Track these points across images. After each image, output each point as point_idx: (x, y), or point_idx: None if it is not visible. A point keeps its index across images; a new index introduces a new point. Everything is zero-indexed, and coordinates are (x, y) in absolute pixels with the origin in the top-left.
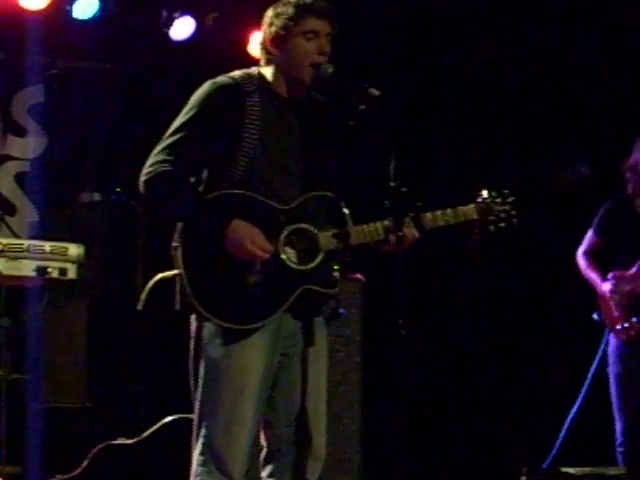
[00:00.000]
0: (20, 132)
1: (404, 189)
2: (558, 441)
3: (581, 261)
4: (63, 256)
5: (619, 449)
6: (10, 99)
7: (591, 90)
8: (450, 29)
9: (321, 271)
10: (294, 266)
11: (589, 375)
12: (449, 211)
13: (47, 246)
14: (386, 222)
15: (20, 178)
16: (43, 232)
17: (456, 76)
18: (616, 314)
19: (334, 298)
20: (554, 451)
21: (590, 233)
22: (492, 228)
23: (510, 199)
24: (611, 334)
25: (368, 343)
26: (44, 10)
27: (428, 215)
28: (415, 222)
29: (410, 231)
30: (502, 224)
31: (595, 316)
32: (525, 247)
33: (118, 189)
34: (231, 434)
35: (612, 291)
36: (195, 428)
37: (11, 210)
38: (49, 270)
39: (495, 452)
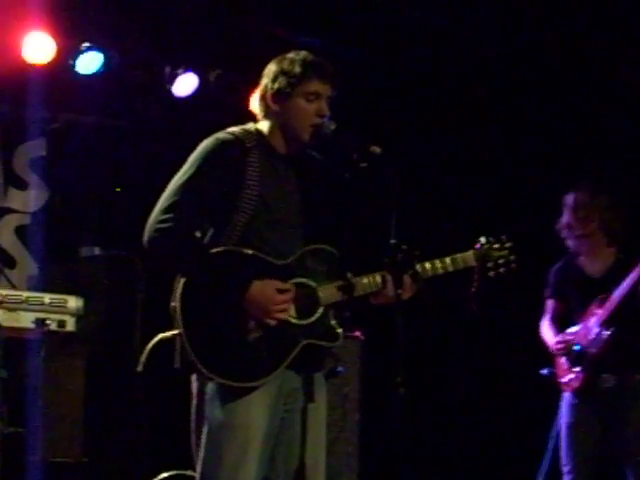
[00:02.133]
0: (21, 185)
1: (404, 246)
2: None
3: (542, 328)
4: (62, 308)
5: None
6: (12, 152)
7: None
8: (452, 89)
9: (321, 326)
10: (294, 321)
11: (551, 435)
12: (447, 259)
13: (46, 298)
14: (384, 273)
15: (20, 231)
16: (42, 285)
17: (456, 129)
18: (564, 368)
19: (333, 356)
20: None
21: (548, 301)
22: (492, 274)
23: (508, 244)
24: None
25: (367, 401)
26: (48, 64)
27: (427, 265)
28: (414, 275)
29: (409, 283)
30: (502, 269)
31: (544, 371)
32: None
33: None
34: None
35: (558, 342)
36: None
37: (11, 263)
38: (48, 322)
39: None
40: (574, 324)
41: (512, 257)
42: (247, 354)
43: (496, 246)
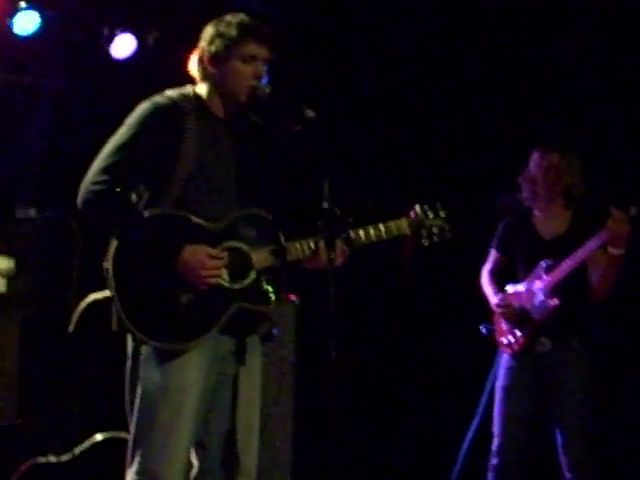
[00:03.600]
0: None
1: (337, 210)
2: (459, 460)
3: (482, 278)
4: None
5: (492, 467)
6: None
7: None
8: (385, 44)
9: (254, 289)
10: (227, 285)
11: (485, 390)
12: (381, 226)
13: None
14: (317, 238)
15: None
16: None
17: (393, 93)
18: (503, 328)
19: (268, 319)
20: (456, 470)
21: (492, 251)
22: (426, 242)
23: (443, 213)
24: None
25: (301, 365)
26: None
27: (360, 232)
28: (347, 240)
29: (342, 248)
30: (436, 238)
31: (483, 329)
32: (455, 268)
33: None
34: (168, 454)
35: (499, 305)
36: (131, 447)
37: None
38: None
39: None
40: (515, 279)
41: (446, 226)
42: (178, 317)
43: (430, 215)
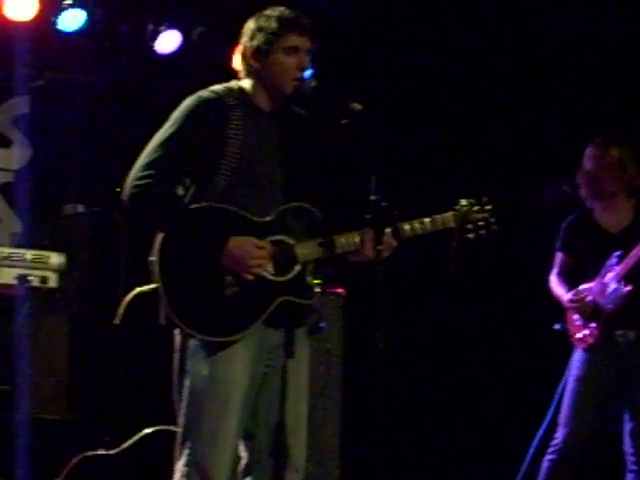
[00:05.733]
0: (5, 143)
1: (384, 203)
2: (528, 456)
3: (551, 283)
4: (44, 264)
5: (550, 457)
6: None
7: (575, 107)
8: (432, 43)
9: (299, 282)
10: (271, 277)
11: (559, 388)
12: (427, 220)
13: (28, 254)
14: (364, 231)
15: (4, 189)
16: (26, 243)
17: (440, 89)
18: (577, 324)
19: (315, 312)
20: (525, 466)
21: (558, 254)
22: (471, 236)
23: (488, 207)
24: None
25: (349, 357)
26: (30, 21)
27: (406, 225)
28: (393, 232)
29: (388, 241)
30: (481, 232)
31: (557, 326)
32: (503, 262)
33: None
34: (216, 446)
35: (572, 300)
36: (179, 440)
37: None
38: (30, 278)
39: (471, 467)
40: (585, 279)
41: (492, 219)
42: (223, 309)
43: (476, 208)
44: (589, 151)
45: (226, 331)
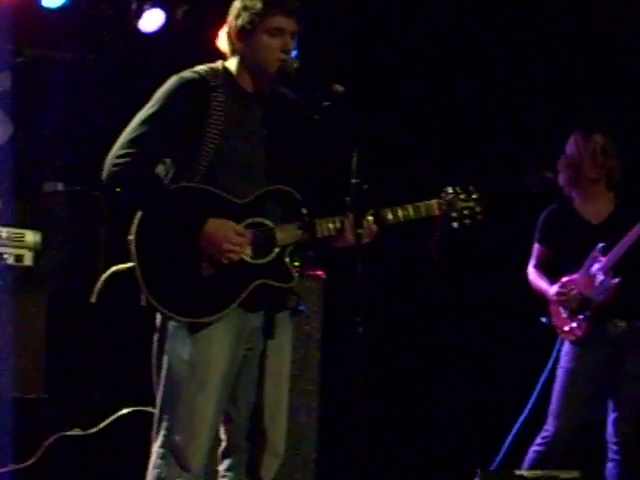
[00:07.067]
0: None
1: (365, 186)
2: (507, 443)
3: (530, 275)
4: (19, 242)
5: (537, 448)
6: None
7: (558, 97)
8: (414, 24)
9: (277, 266)
10: (249, 260)
11: (541, 378)
12: (410, 206)
13: (3, 232)
14: (345, 216)
15: None
16: (5, 220)
17: (423, 73)
18: (564, 316)
19: (294, 294)
20: (502, 453)
21: (536, 245)
22: (455, 225)
23: (475, 195)
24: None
25: (327, 341)
26: None
27: (388, 211)
28: (375, 218)
29: (369, 226)
30: (466, 221)
31: (543, 319)
32: (487, 249)
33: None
34: (192, 428)
35: (558, 293)
36: (156, 421)
37: None
38: (5, 256)
39: (448, 453)
40: (566, 271)
41: (478, 208)
42: (200, 291)
43: (462, 196)
44: (573, 137)
45: (201, 313)
